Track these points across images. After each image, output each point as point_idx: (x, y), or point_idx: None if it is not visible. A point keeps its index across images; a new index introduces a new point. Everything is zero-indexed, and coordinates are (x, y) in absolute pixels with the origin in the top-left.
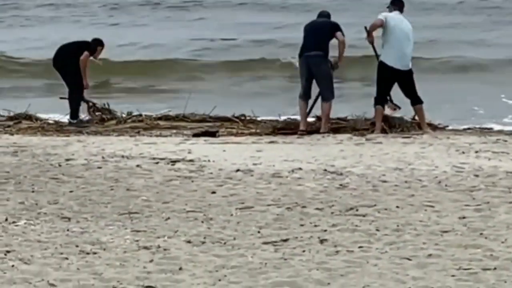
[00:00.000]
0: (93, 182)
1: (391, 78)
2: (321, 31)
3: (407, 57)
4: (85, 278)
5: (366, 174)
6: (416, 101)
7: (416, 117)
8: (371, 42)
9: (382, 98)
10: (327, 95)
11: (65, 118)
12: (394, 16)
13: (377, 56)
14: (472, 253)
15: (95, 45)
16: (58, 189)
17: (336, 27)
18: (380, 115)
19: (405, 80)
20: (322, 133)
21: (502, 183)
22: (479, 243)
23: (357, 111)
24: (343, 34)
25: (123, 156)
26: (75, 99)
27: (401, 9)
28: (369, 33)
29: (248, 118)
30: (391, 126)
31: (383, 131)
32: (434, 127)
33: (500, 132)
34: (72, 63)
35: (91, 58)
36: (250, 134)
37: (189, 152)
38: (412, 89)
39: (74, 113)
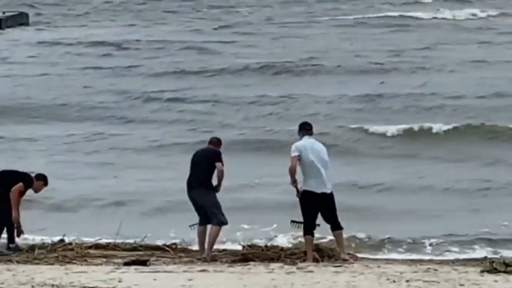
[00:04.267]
0: None
1: (314, 204)
2: (201, 165)
3: (325, 180)
4: None
5: None
6: (336, 226)
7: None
8: (295, 186)
9: (310, 227)
10: (216, 220)
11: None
12: (304, 144)
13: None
14: None
15: (36, 180)
16: None
17: (216, 157)
18: (310, 244)
19: (327, 204)
20: (203, 259)
21: None
22: None
23: None
24: (222, 164)
25: (53, 285)
26: None
27: (310, 133)
28: (292, 177)
29: (179, 246)
30: (322, 255)
31: (315, 260)
32: (355, 257)
33: (430, 261)
34: (5, 191)
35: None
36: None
37: (120, 281)
38: (333, 213)
39: None
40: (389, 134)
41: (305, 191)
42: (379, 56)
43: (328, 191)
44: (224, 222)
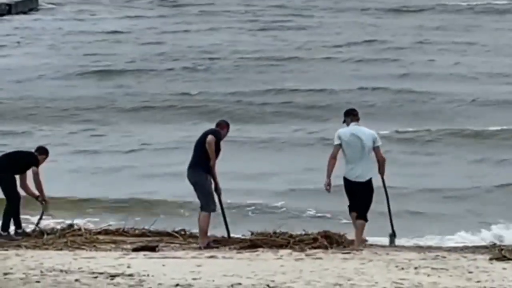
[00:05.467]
0: None
1: (352, 190)
2: (199, 145)
3: (361, 169)
4: None
5: None
6: (361, 216)
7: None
8: (327, 180)
9: (350, 207)
10: (202, 205)
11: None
12: (345, 131)
13: None
14: None
15: (39, 154)
16: None
17: (209, 132)
18: (353, 220)
19: (360, 192)
20: (199, 247)
21: None
22: None
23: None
24: (214, 137)
25: (61, 271)
26: (8, 211)
27: (356, 119)
28: (328, 167)
29: (188, 232)
30: (331, 242)
31: (324, 247)
32: (364, 242)
33: (439, 248)
34: (10, 174)
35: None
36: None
37: (129, 267)
38: (366, 203)
39: (5, 225)
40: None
41: (344, 177)
42: None
43: (363, 180)
44: (213, 209)
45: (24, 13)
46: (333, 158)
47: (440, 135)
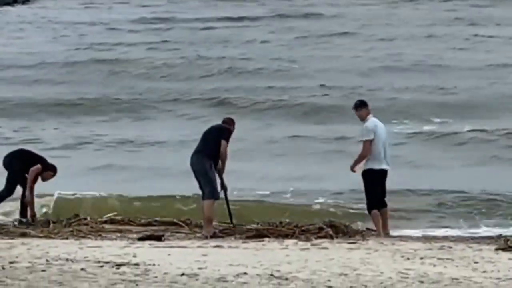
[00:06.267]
0: (37, 286)
1: (379, 180)
2: (207, 139)
3: (387, 158)
4: None
5: (312, 279)
6: (383, 204)
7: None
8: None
9: (375, 202)
10: (205, 192)
11: None
12: (375, 125)
13: None
14: None
15: (48, 167)
16: None
17: (221, 134)
18: (378, 218)
19: (385, 178)
20: (205, 236)
21: None
22: None
23: None
24: (227, 142)
25: (67, 259)
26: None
27: (369, 112)
28: (360, 162)
29: (194, 222)
30: (337, 232)
31: (330, 236)
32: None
33: (445, 238)
34: (22, 166)
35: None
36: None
37: (134, 256)
38: (385, 190)
39: None
40: None
41: (371, 170)
42: None
43: (388, 168)
44: (216, 197)
45: (29, 1)
46: (367, 155)
47: (460, 132)
